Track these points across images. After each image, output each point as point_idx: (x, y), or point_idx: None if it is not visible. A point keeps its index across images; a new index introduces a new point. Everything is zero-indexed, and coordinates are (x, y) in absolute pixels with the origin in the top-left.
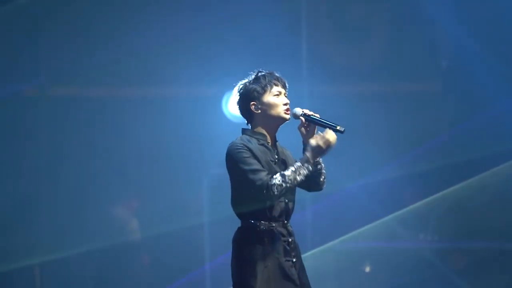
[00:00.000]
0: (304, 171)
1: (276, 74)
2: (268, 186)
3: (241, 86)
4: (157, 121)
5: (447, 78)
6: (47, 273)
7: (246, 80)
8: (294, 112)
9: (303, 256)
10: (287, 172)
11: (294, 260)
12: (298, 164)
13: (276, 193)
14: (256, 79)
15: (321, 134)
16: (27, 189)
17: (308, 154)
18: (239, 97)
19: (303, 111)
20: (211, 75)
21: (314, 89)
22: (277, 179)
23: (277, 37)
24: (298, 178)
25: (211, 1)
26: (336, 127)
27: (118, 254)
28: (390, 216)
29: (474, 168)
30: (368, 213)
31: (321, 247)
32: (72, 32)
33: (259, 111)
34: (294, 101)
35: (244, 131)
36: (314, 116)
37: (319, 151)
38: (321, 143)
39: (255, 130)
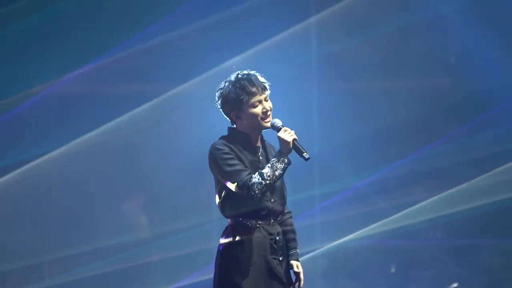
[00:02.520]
0: (280, 165)
1: (254, 81)
2: (249, 187)
3: (221, 93)
4: (169, 118)
5: (456, 74)
6: (55, 271)
7: (226, 85)
8: (273, 123)
9: (312, 253)
10: (265, 170)
11: (281, 258)
12: (274, 160)
13: (257, 191)
14: (234, 87)
15: (284, 127)
16: (36, 186)
17: (281, 148)
18: (220, 103)
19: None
20: (221, 75)
21: (323, 85)
22: (256, 178)
23: (285, 34)
24: (276, 173)
25: None
26: (303, 152)
27: (127, 251)
28: (400, 213)
29: (484, 165)
30: (378, 211)
31: (330, 245)
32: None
33: (240, 119)
34: (303, 97)
35: (229, 130)
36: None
37: (286, 142)
38: (283, 136)
39: (239, 130)
